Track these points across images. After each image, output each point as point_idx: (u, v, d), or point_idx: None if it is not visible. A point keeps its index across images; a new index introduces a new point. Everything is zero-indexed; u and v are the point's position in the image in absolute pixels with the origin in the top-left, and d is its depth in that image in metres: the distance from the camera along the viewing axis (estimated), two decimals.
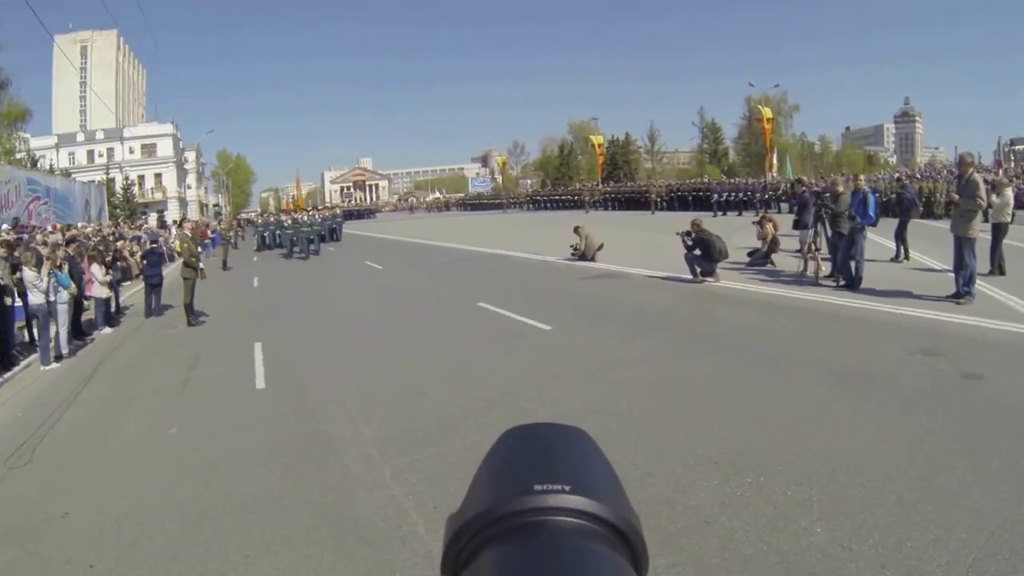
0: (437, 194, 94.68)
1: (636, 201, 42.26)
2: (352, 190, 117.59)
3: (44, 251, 11.44)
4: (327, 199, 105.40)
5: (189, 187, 68.19)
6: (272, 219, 35.49)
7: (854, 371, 6.60)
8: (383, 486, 4.82)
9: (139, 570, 4.04)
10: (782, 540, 3.61)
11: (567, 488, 0.42)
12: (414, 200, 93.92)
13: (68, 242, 15.31)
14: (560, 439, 0.47)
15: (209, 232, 32.42)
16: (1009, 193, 11.16)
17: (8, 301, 10.56)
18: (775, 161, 39.00)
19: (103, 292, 13.25)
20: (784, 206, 27.73)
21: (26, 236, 15.99)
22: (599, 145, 62.90)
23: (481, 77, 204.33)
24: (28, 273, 10.33)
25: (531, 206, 59.05)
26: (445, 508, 4.25)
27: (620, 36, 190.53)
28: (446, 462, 5.09)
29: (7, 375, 9.72)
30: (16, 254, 11.56)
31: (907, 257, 13.37)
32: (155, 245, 16.17)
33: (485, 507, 0.41)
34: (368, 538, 4.09)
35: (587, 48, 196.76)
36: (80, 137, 63.91)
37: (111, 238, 20.71)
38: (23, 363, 10.46)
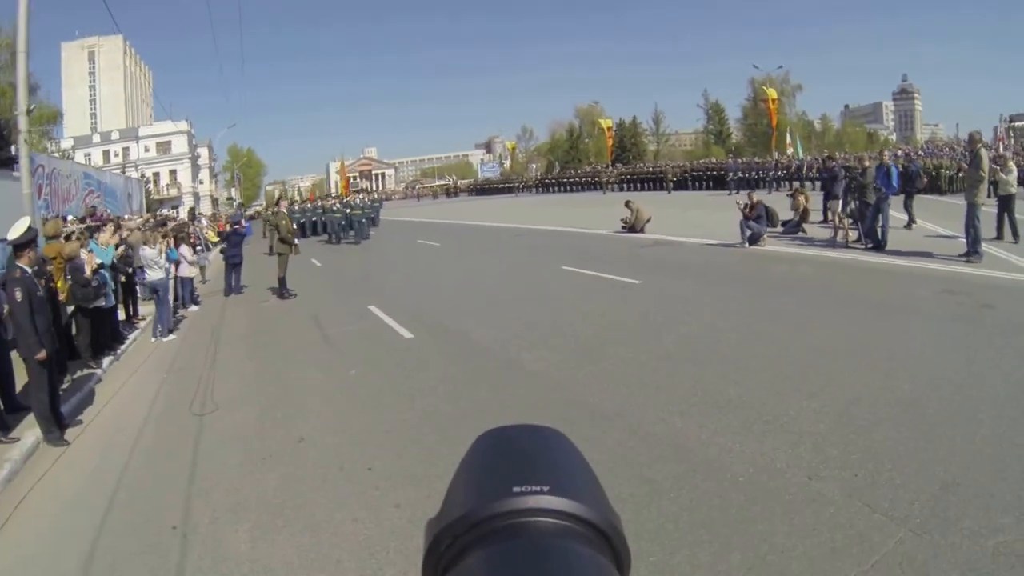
0: (448, 179, 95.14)
1: (649, 181, 44.07)
2: (358, 179, 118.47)
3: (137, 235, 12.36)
4: (331, 189, 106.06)
5: (201, 182, 69.64)
6: (309, 206, 36.17)
7: (897, 304, 8.66)
8: (583, 384, 6.42)
9: (414, 469, 4.92)
10: (881, 391, 5.59)
11: (546, 489, 0.42)
12: (421, 188, 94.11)
13: (160, 225, 16.76)
14: (537, 440, 0.48)
15: (244, 221, 33.73)
16: (1012, 166, 12.88)
17: (123, 278, 11.28)
18: (788, 140, 40.71)
19: (191, 271, 13.96)
20: (795, 183, 29.51)
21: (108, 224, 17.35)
22: (608, 128, 64.19)
23: (483, 65, 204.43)
24: (150, 251, 11.13)
25: (542, 189, 60.13)
26: (640, 391, 6.11)
27: (621, 22, 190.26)
28: (617, 371, 6.77)
29: (121, 348, 10.13)
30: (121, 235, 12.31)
31: (913, 221, 15.22)
32: (237, 226, 17.16)
33: (465, 511, 0.42)
34: (604, 411, 5.69)
35: (589, 35, 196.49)
36: (96, 138, 65.24)
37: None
38: (130, 337, 10.99)
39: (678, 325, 8.39)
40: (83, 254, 9.23)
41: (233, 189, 72.85)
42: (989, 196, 12.36)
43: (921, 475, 4.08)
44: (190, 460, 5.60)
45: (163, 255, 11.43)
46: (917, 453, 4.38)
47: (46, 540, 4.56)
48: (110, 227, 12.14)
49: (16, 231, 7.18)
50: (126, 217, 27.37)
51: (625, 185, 47.62)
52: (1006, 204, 12.69)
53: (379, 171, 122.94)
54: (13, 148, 12.98)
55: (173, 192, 63.69)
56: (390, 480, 4.85)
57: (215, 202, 69.91)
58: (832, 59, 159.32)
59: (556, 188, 57.55)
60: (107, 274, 9.72)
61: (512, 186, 65.03)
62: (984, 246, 11.22)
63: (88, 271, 9.00)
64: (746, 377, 6.21)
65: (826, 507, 3.82)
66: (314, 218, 30.72)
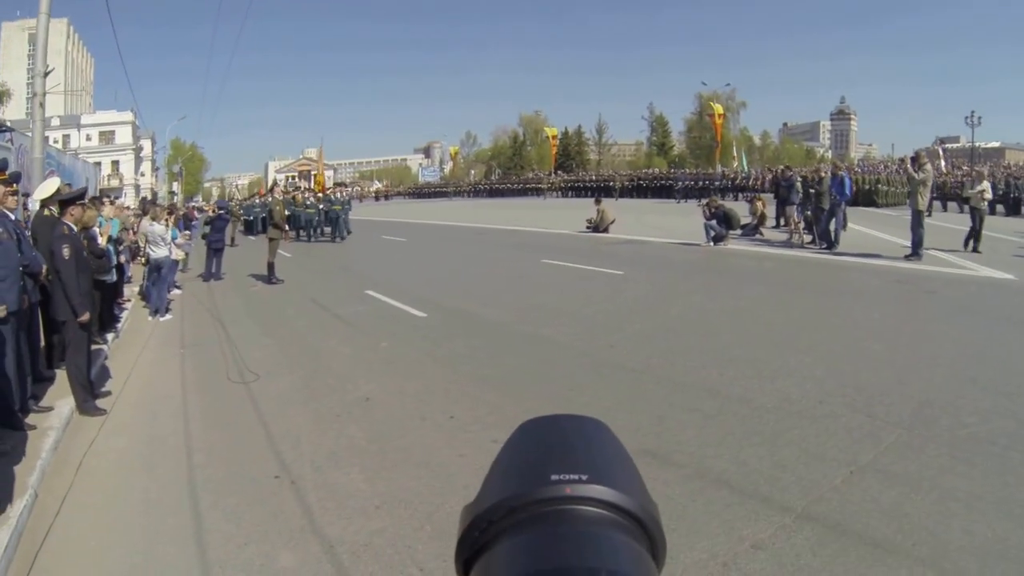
0: (379, 183, 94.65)
1: (590, 190, 45.09)
2: (297, 179, 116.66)
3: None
4: (267, 186, 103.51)
5: (143, 175, 67.83)
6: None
7: (856, 290, 10.18)
8: (607, 351, 7.20)
9: (492, 417, 5.37)
10: (857, 349, 6.82)
11: (584, 477, 0.42)
12: (359, 188, 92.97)
13: (145, 207, 16.53)
14: (577, 429, 0.48)
15: (196, 213, 33.25)
16: (986, 184, 13.94)
17: (122, 259, 11.01)
18: (735, 153, 42.88)
19: (179, 254, 13.25)
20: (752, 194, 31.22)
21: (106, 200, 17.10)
22: (553, 136, 65.58)
23: (427, 69, 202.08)
24: (158, 227, 11.11)
25: (479, 194, 60.69)
26: (659, 353, 7.02)
27: (566, 31, 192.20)
28: (632, 341, 7.61)
29: (118, 326, 9.92)
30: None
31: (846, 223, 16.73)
32: (223, 211, 16.53)
33: (501, 497, 0.42)
34: (635, 367, 6.58)
35: (534, 42, 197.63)
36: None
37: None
38: (122, 317, 10.63)
39: (671, 306, 9.46)
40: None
41: (175, 183, 71.11)
42: (960, 211, 13.39)
43: (904, 398, 5.31)
44: (256, 421, 5.68)
45: (168, 232, 11.52)
46: (897, 386, 5.62)
47: (135, 502, 4.48)
48: (108, 202, 12.18)
49: (45, 191, 7.18)
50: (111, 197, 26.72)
51: (569, 192, 49.20)
52: (976, 217, 13.19)
53: (318, 172, 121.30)
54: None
55: (115, 183, 61.78)
56: (475, 424, 5.28)
57: (155, 196, 68.07)
58: (773, 76, 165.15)
59: (491, 194, 58.50)
60: (112, 248, 9.61)
61: (447, 191, 65.50)
62: (934, 252, 12.67)
63: (103, 241, 8.87)
64: (745, 342, 7.31)
65: (838, 419, 4.99)
66: (289, 212, 27.69)
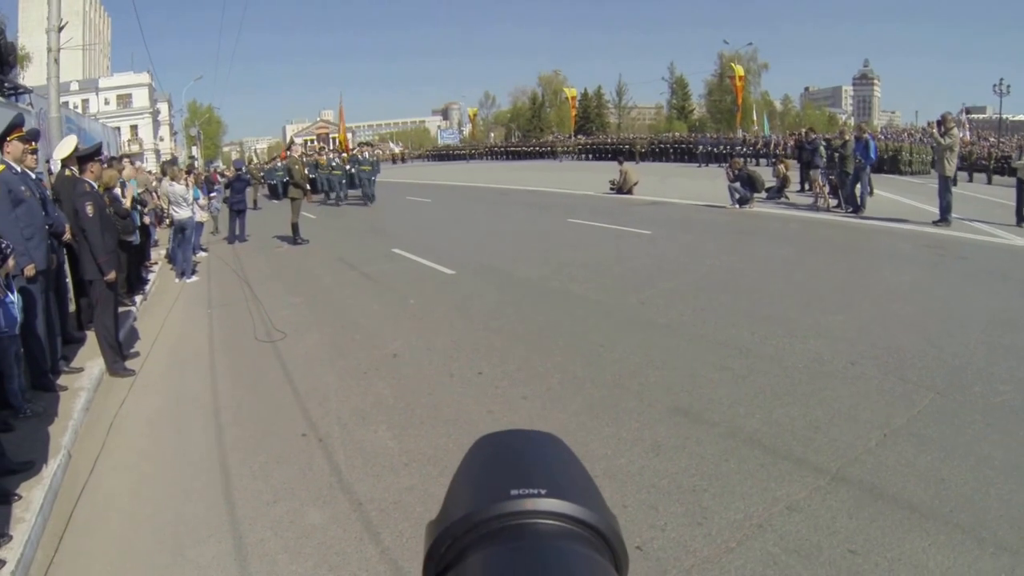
0: (395, 147, 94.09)
1: (609, 153, 44.02)
2: (317, 142, 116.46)
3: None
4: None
5: (162, 139, 67.76)
6: (306, 159, 31.78)
7: (886, 254, 9.97)
8: (637, 308, 7.22)
9: (521, 373, 5.41)
10: (890, 311, 6.71)
11: (543, 492, 0.43)
12: (379, 152, 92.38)
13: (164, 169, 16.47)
14: (533, 445, 0.49)
15: (219, 177, 33.11)
16: None
17: (146, 220, 10.98)
18: (755, 117, 42.20)
19: (203, 216, 13.38)
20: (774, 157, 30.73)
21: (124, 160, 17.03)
22: (572, 98, 64.67)
23: (442, 26, 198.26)
24: (178, 187, 10.99)
25: (494, 156, 59.82)
26: (689, 311, 6.95)
27: None
28: (662, 298, 7.59)
29: (146, 288, 9.97)
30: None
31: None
32: (240, 172, 16.54)
33: (464, 512, 0.43)
34: (666, 325, 6.57)
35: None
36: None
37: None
38: (150, 279, 10.70)
39: (700, 265, 9.37)
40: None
41: (195, 147, 71.04)
42: (988, 182, 12.95)
43: (936, 362, 5.23)
44: (283, 379, 5.70)
45: (190, 192, 11.45)
46: (929, 349, 5.53)
47: (165, 461, 4.53)
48: (127, 163, 12.14)
49: (64, 150, 7.00)
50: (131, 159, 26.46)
51: (585, 156, 48.39)
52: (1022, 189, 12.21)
53: (336, 134, 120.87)
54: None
55: (135, 148, 61.80)
56: (504, 381, 5.30)
57: (174, 159, 67.95)
58: (795, 38, 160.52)
59: (508, 156, 57.69)
60: (137, 210, 9.66)
61: (464, 153, 64.96)
62: (965, 220, 12.26)
63: (127, 202, 8.87)
64: (776, 301, 7.25)
65: (871, 381, 4.93)
66: (315, 176, 25.30)
